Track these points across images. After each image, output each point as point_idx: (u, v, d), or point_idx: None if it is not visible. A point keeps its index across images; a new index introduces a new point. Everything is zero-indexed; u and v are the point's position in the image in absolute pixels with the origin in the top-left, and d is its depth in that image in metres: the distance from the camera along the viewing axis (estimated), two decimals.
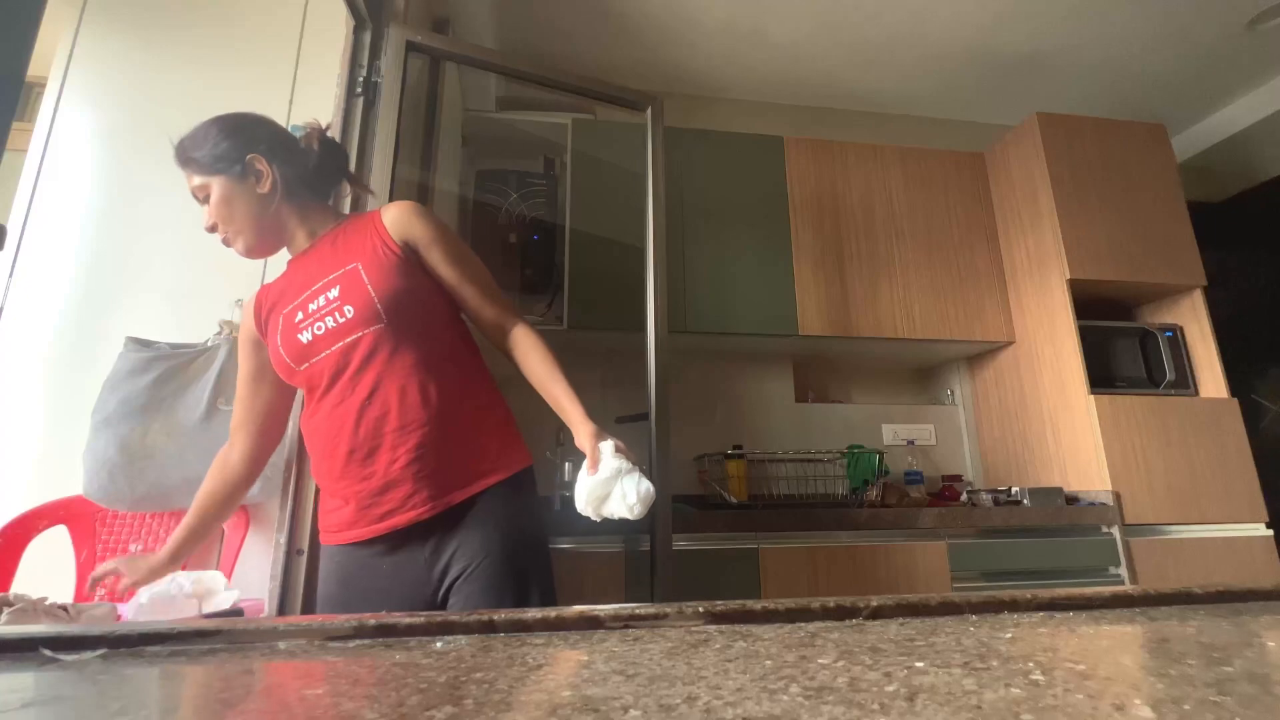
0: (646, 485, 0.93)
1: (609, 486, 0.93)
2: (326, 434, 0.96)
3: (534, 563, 0.99)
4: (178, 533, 1.05)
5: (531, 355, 1.04)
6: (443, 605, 0.95)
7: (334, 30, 1.48)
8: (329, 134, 1.08)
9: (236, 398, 1.09)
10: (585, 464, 0.96)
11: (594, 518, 0.95)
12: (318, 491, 1.19)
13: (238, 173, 0.97)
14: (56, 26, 1.68)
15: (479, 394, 1.03)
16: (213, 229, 0.99)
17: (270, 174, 0.98)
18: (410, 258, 1.00)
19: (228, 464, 1.08)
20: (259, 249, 1.02)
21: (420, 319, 0.98)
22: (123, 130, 1.65)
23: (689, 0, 2.23)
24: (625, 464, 0.94)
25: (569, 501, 2.00)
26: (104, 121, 1.65)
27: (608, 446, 0.95)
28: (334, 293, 0.96)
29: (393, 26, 1.43)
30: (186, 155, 0.98)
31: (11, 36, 0.56)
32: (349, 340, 0.94)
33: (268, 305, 1.03)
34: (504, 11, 2.29)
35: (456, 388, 0.99)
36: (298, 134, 1.06)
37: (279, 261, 1.68)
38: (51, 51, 1.67)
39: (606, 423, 1.03)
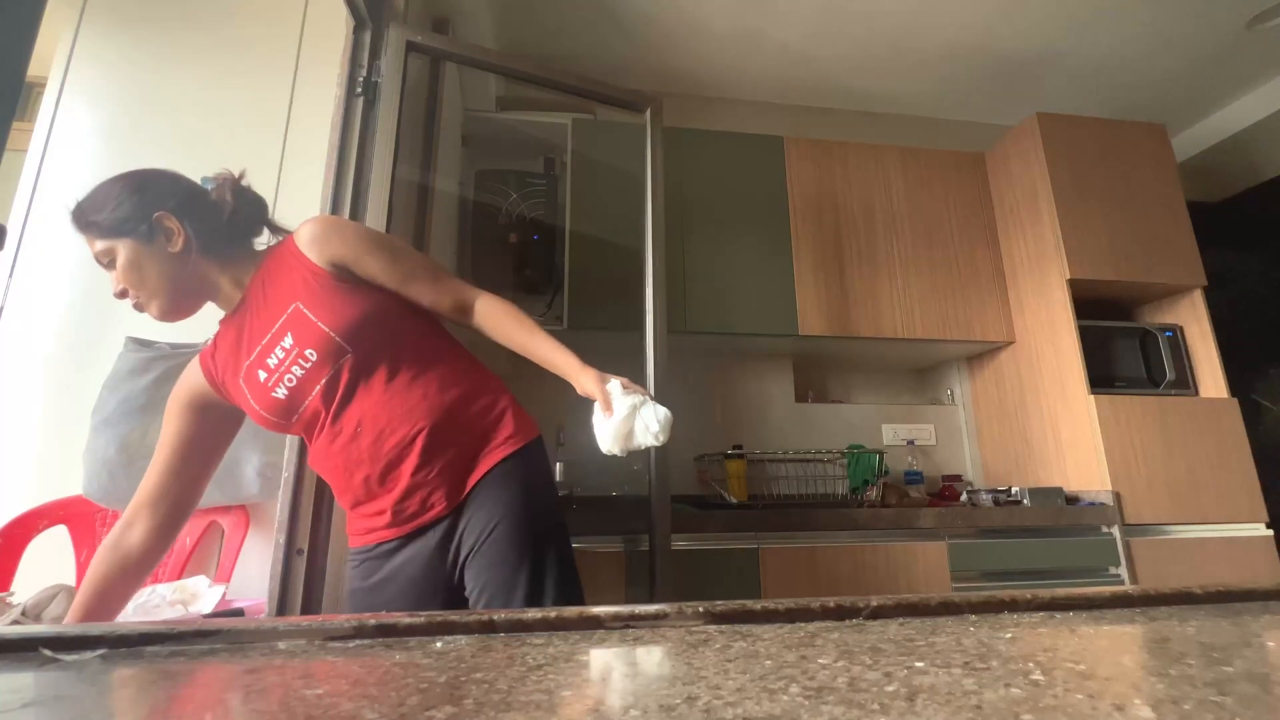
0: (664, 411, 0.97)
1: (630, 422, 0.96)
2: (338, 469, 0.96)
3: (547, 528, 0.98)
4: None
5: (504, 322, 1.01)
6: (459, 585, 0.95)
7: (334, 30, 1.48)
8: (243, 182, 1.01)
9: (156, 468, 0.98)
10: (597, 408, 0.98)
11: (620, 454, 0.98)
12: (322, 494, 1.19)
13: (144, 233, 0.90)
14: (56, 27, 1.68)
15: (467, 380, 1.01)
16: (122, 295, 0.92)
17: (181, 232, 0.92)
18: (344, 276, 0.95)
19: (125, 549, 0.93)
20: (175, 311, 0.94)
21: (385, 332, 0.96)
22: (123, 130, 1.65)
23: (689, 1, 2.23)
24: (638, 397, 0.98)
25: (566, 506, 2.01)
26: (104, 121, 1.65)
27: (615, 385, 0.98)
28: (288, 341, 0.92)
29: (393, 26, 1.43)
30: (86, 219, 0.90)
31: (11, 36, 0.56)
32: (325, 381, 0.92)
33: (219, 371, 0.99)
34: (504, 11, 2.29)
35: (443, 383, 0.98)
36: (208, 186, 1.00)
37: None
38: (51, 51, 1.67)
39: None
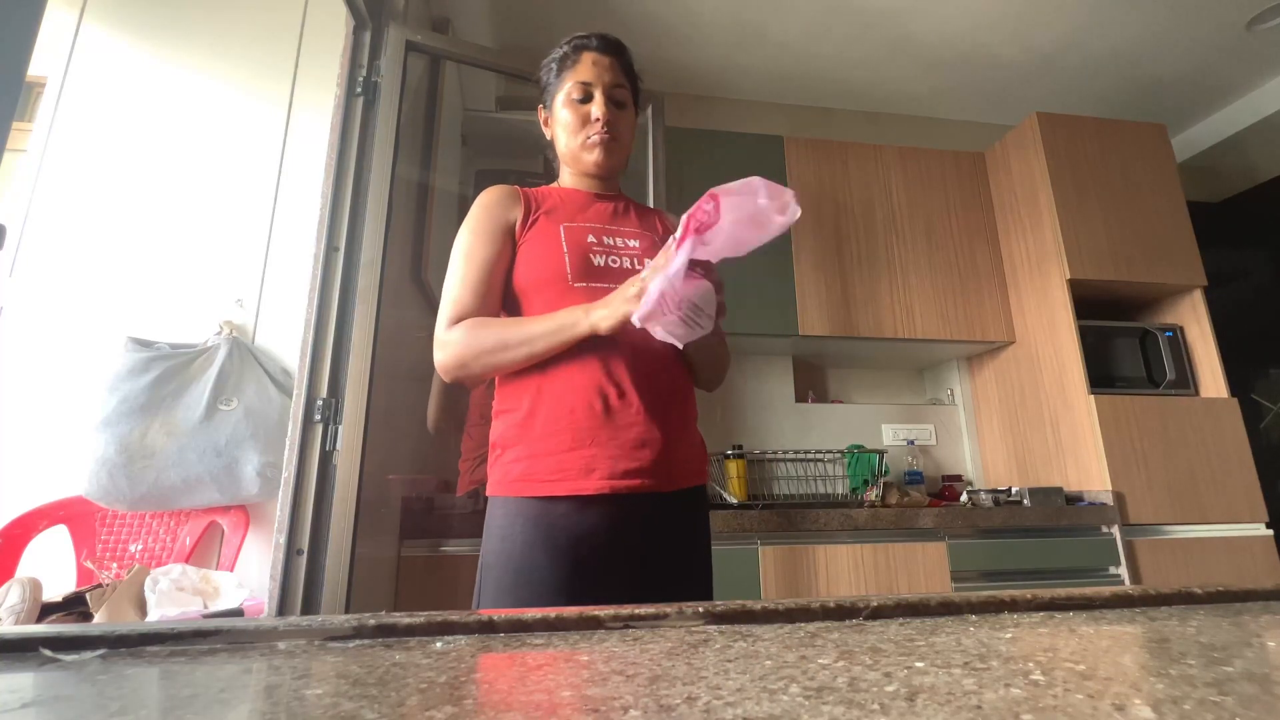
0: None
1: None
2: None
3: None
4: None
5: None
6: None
7: (334, 30, 1.48)
8: None
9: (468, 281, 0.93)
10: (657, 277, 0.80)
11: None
12: (323, 494, 1.19)
13: (635, 102, 1.07)
14: (56, 26, 1.68)
15: None
16: (602, 120, 0.99)
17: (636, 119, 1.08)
18: None
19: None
20: (619, 164, 1.05)
21: None
22: (123, 130, 1.65)
23: None
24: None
25: None
26: (104, 121, 1.65)
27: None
28: (635, 243, 1.01)
29: (393, 26, 1.43)
30: (625, 60, 1.06)
31: (11, 36, 0.56)
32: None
33: (536, 203, 1.01)
34: (503, 11, 2.29)
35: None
36: None
37: (273, 267, 1.68)
38: (51, 51, 1.67)
39: None
